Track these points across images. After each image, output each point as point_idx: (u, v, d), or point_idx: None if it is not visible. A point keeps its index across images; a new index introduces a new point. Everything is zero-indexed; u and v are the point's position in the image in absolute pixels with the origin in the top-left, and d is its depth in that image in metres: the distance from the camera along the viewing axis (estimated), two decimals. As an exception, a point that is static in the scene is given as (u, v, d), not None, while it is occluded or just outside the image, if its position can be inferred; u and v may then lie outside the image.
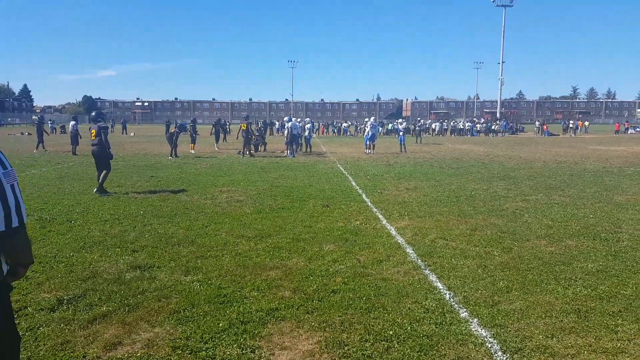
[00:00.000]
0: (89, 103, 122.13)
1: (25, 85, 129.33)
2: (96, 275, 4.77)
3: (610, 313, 3.80)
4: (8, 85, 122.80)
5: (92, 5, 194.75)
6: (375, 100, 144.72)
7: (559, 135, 45.74)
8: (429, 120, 56.02)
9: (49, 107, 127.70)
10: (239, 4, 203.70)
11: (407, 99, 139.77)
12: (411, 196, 9.46)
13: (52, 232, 6.45)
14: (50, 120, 54.55)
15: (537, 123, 51.89)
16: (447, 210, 7.98)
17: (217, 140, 24.47)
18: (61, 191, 9.93)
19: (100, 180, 9.56)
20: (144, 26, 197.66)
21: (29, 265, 2.03)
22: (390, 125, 50.28)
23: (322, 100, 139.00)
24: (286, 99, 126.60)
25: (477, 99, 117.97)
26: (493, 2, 73.02)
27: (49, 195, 9.42)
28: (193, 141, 21.69)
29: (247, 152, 19.15)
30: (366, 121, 25.29)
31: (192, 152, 20.88)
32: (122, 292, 4.31)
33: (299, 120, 24.72)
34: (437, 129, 49.10)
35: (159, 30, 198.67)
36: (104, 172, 9.56)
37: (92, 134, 9.65)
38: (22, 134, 43.20)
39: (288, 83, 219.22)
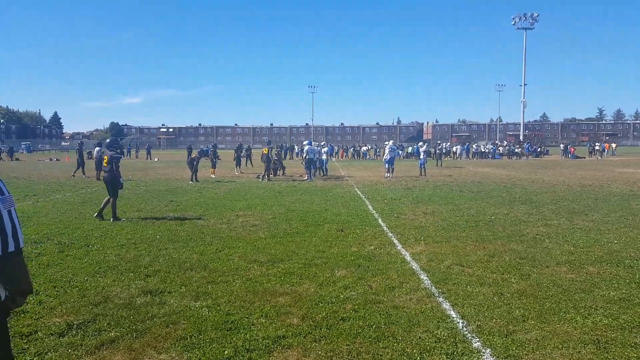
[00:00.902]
0: (116, 129, 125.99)
1: (55, 113, 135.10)
2: (108, 299, 4.80)
3: (632, 344, 3.60)
4: (39, 113, 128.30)
5: (120, 34, 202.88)
6: (395, 124, 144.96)
7: (584, 157, 44.68)
8: (449, 143, 55.54)
9: (78, 133, 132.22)
10: (261, 31, 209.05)
11: (427, 122, 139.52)
12: (428, 221, 9.31)
13: (70, 257, 6.55)
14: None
15: (561, 145, 50.82)
16: (464, 236, 7.81)
17: (238, 164, 24.75)
18: (82, 216, 10.13)
19: (102, 207, 9.65)
20: (169, 54, 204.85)
21: (28, 294, 2.04)
22: (410, 148, 50.12)
23: (342, 124, 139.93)
24: (306, 124, 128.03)
25: (499, 122, 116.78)
26: (514, 24, 73.06)
27: (70, 220, 9.63)
28: (213, 166, 22.00)
29: (266, 177, 19.29)
30: (385, 144, 24.68)
31: (213, 176, 21.15)
32: (132, 317, 4.32)
33: (317, 144, 24.86)
34: (458, 151, 48.68)
35: (183, 59, 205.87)
36: (111, 199, 9.57)
37: (105, 161, 9.88)
38: (51, 159, 44.69)
39: (308, 107, 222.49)
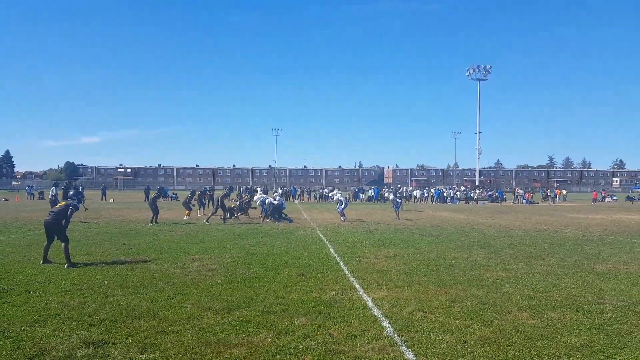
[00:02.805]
0: (71, 169, 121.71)
1: (7, 151, 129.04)
2: (45, 352, 4.38)
3: (597, 395, 3.53)
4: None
5: (78, 72, 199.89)
6: (357, 167, 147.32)
7: (538, 203, 46.56)
8: (410, 188, 56.78)
9: (30, 172, 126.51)
10: (223, 72, 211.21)
11: (388, 167, 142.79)
12: (390, 264, 9.22)
13: (7, 304, 6.04)
14: (28, 185, 53.77)
15: (520, 190, 52.93)
16: (426, 280, 7.75)
17: (200, 206, 24.09)
18: (26, 259, 9.45)
19: (65, 253, 8.85)
20: (129, 94, 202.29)
21: None
22: (370, 191, 50.85)
23: (305, 166, 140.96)
24: (269, 165, 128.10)
25: (456, 168, 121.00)
26: (468, 76, 77.30)
27: (12, 263, 8.95)
28: (188, 208, 21.46)
29: (224, 219, 18.94)
30: (334, 194, 24.90)
31: (185, 218, 20.45)
32: (68, 373, 3.91)
33: (276, 191, 24.87)
34: (418, 195, 49.69)
35: (144, 98, 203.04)
36: (63, 245, 8.92)
37: (58, 205, 9.47)
38: (0, 199, 42.22)
39: (272, 149, 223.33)
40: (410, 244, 12.45)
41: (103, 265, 8.88)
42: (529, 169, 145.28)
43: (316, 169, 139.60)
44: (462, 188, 61.78)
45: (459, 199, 50.16)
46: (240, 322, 5.28)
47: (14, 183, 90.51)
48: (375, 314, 5.72)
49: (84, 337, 4.75)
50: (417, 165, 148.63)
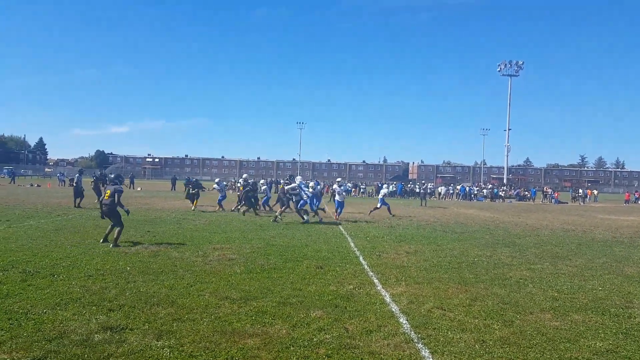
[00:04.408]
0: (101, 158, 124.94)
1: (40, 139, 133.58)
2: (64, 335, 4.46)
3: (622, 403, 3.37)
4: (24, 138, 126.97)
5: (110, 64, 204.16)
6: (381, 162, 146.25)
7: (567, 203, 45.27)
8: (432, 184, 56.04)
9: (62, 160, 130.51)
10: (250, 65, 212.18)
11: (413, 162, 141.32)
12: (410, 260, 9.09)
13: (32, 287, 6.18)
14: (59, 173, 55.48)
15: (549, 189, 51.53)
16: (447, 277, 7.60)
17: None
18: (53, 243, 9.71)
19: (115, 237, 9.79)
20: (158, 85, 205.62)
21: None
22: (391, 186, 50.47)
23: (328, 160, 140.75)
24: (293, 159, 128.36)
25: (483, 165, 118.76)
26: (499, 71, 75.44)
27: (39, 247, 9.20)
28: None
29: (239, 209, 19.18)
30: (336, 184, 20.14)
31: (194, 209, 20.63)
32: (86, 355, 3.98)
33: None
34: (443, 192, 49.03)
35: (171, 90, 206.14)
36: (118, 229, 9.86)
37: (107, 194, 10.14)
38: (32, 185, 43.74)
39: (296, 142, 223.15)
40: (432, 241, 12.25)
41: (126, 251, 9.04)
42: (559, 167, 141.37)
43: (340, 163, 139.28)
44: (489, 185, 60.58)
45: (485, 197, 49.26)
46: (256, 313, 5.28)
47: (46, 170, 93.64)
48: (393, 309, 5.63)
49: (103, 322, 4.83)
50: (443, 161, 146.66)
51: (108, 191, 10.17)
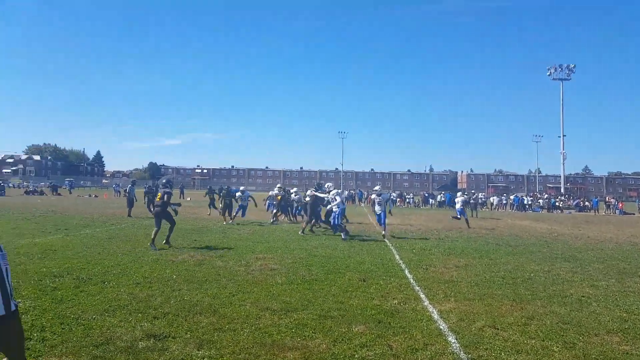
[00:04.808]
0: (154, 169, 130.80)
1: (98, 152, 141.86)
2: (110, 341, 4.54)
3: None
4: (84, 151, 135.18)
5: (163, 80, 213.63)
6: (427, 171, 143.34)
7: (634, 214, 42.26)
8: (483, 194, 54.05)
9: (118, 171, 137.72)
10: (292, 76, 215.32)
11: (462, 171, 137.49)
12: (460, 275, 8.67)
13: (84, 293, 6.39)
14: (115, 184, 58.44)
15: (612, 200, 48.31)
16: (500, 294, 7.15)
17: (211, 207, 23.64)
18: (106, 251, 10.07)
19: (168, 234, 11.22)
20: (206, 100, 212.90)
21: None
22: (439, 196, 49.14)
23: (372, 169, 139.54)
24: (336, 168, 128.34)
25: (538, 173, 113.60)
26: (549, 75, 72.31)
27: (93, 255, 9.57)
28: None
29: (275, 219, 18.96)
30: (374, 192, 16.22)
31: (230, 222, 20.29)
32: (128, 364, 3.99)
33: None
34: (495, 202, 47.22)
35: (219, 104, 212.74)
36: (171, 225, 11.19)
37: (158, 197, 11.30)
38: (90, 196, 46.21)
39: (338, 152, 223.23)
40: (484, 254, 11.68)
41: (173, 260, 9.22)
42: (622, 176, 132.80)
43: (384, 173, 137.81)
44: (545, 195, 57.75)
45: (542, 207, 46.95)
46: (296, 325, 5.16)
47: (103, 181, 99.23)
48: (441, 327, 5.33)
49: (147, 330, 4.88)
50: (495, 170, 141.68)
51: (159, 194, 11.32)
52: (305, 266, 8.93)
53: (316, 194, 15.80)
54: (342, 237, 13.72)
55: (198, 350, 4.35)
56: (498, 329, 5.28)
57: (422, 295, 6.86)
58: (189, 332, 4.85)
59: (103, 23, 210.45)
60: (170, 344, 4.51)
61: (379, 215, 15.12)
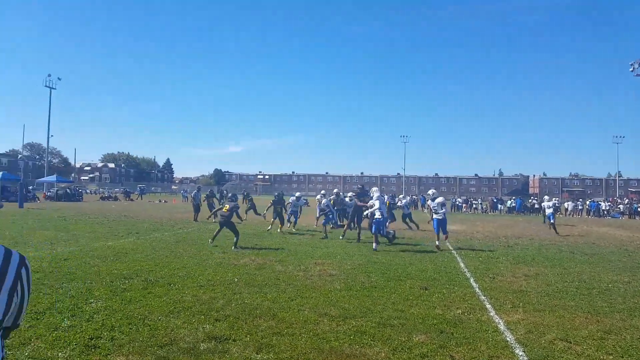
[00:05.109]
0: (219, 175, 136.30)
1: (168, 159, 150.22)
2: (174, 342, 4.70)
3: None
4: (154, 159, 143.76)
5: (226, 89, 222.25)
6: (496, 176, 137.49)
7: None
8: (557, 200, 50.82)
9: (186, 178, 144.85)
10: (352, 81, 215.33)
11: (534, 175, 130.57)
12: (530, 284, 8.17)
13: (151, 294, 6.68)
14: (183, 190, 61.46)
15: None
16: (573, 305, 6.65)
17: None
18: (173, 254, 10.55)
19: (235, 242, 12.02)
20: (267, 107, 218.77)
21: None
22: (509, 202, 46.84)
23: (436, 174, 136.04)
24: (398, 173, 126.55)
25: (619, 177, 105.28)
26: (632, 71, 66.98)
27: (161, 258, 10.05)
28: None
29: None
30: (429, 195, 14.43)
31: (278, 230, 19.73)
32: (190, 364, 4.11)
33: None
34: (570, 208, 44.32)
35: (279, 110, 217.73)
36: (236, 238, 12.03)
37: (225, 208, 12.43)
38: (160, 201, 48.86)
39: (400, 156, 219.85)
40: (557, 263, 10.96)
41: (235, 263, 9.47)
42: None
43: (449, 177, 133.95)
44: (626, 200, 53.34)
45: (622, 213, 43.42)
46: (355, 332, 5.08)
47: (172, 187, 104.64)
48: (508, 339, 5.03)
49: (209, 332, 5.01)
50: (570, 173, 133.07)
51: (226, 206, 12.45)
52: (365, 273, 8.82)
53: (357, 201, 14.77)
54: (374, 246, 12.23)
55: (257, 354, 4.41)
56: (571, 343, 4.90)
57: (488, 305, 6.53)
58: (248, 335, 4.93)
59: (169, 35, 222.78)
60: (231, 346, 4.61)
61: (438, 222, 13.30)
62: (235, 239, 12.03)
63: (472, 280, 8.46)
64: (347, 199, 18.53)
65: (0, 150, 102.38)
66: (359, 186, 18.30)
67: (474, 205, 47.96)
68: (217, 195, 24.04)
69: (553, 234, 19.39)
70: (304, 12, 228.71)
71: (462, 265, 10.21)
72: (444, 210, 13.18)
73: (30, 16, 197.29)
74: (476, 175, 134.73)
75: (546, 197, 23.91)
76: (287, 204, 17.72)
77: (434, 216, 13.44)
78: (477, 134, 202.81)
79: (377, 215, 12.69)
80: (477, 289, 7.65)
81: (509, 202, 46.99)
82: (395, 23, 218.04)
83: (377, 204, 12.84)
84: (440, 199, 13.35)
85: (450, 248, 13.34)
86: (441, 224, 13.13)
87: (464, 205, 47.38)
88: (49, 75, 55.24)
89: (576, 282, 8.45)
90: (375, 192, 13.61)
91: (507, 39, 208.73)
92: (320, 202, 17.07)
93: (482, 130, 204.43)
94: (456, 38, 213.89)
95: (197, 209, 21.73)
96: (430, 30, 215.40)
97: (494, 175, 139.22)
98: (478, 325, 5.52)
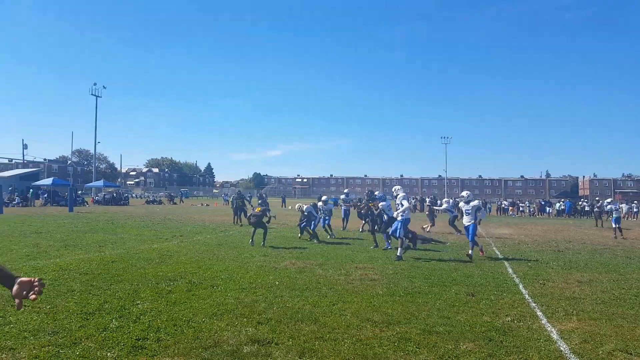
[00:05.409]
0: (258, 179, 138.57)
1: (209, 164, 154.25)
2: (217, 344, 4.73)
3: None
4: (196, 163, 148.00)
5: (265, 95, 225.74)
6: (543, 177, 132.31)
7: None
8: (611, 202, 48.25)
9: (226, 182, 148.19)
10: (387, 85, 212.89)
11: (584, 176, 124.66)
12: (584, 291, 7.74)
13: (195, 296, 6.78)
14: (224, 194, 62.75)
15: None
16: (632, 314, 6.23)
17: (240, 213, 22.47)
18: (215, 257, 10.72)
19: (263, 238, 13.18)
20: (304, 112, 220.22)
21: None
22: (558, 204, 44.88)
23: (479, 176, 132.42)
24: (439, 175, 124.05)
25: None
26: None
27: (203, 260, 10.23)
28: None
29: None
30: (462, 198, 12.63)
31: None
32: (234, 368, 4.11)
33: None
34: (624, 210, 41.97)
35: (317, 115, 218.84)
36: (264, 231, 13.29)
37: (258, 209, 13.52)
38: (202, 205, 50.07)
39: (441, 158, 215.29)
40: (613, 268, 10.35)
41: (275, 266, 9.50)
42: None
43: (493, 179, 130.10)
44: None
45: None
46: (399, 339, 4.95)
47: (214, 191, 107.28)
48: (561, 348, 4.76)
49: (251, 334, 5.02)
50: (623, 174, 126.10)
51: (258, 208, 13.68)
52: (407, 277, 8.63)
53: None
54: (397, 253, 11.11)
55: (300, 358, 4.36)
56: (631, 354, 4.58)
57: (539, 313, 6.22)
58: (290, 339, 4.89)
59: (210, 43, 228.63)
60: (273, 350, 4.58)
61: (467, 228, 11.91)
62: (263, 237, 13.22)
63: (521, 286, 8.11)
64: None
65: (51, 156, 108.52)
66: (368, 190, 17.46)
67: (520, 208, 46.24)
68: (248, 198, 24.24)
69: (607, 237, 18.38)
70: (340, 15, 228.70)
71: (509, 270, 9.82)
72: (481, 214, 11.99)
73: (78, 28, 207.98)
74: (522, 176, 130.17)
75: (608, 200, 22.64)
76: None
77: (466, 221, 11.99)
78: (522, 134, 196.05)
79: (400, 217, 11.67)
80: (526, 296, 7.31)
81: (558, 204, 45.00)
82: (436, 24, 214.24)
83: (405, 203, 11.95)
84: (475, 202, 12.05)
85: (497, 253, 12.87)
86: (474, 231, 11.69)
87: (510, 208, 45.75)
88: (95, 84, 58.02)
89: (635, 290, 7.94)
90: (400, 190, 12.63)
91: (551, 38, 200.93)
92: (301, 208, 15.96)
93: (528, 130, 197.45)
94: (499, 38, 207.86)
95: (236, 212, 22.10)
96: (472, 30, 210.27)
97: (540, 176, 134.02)
98: (529, 334, 5.26)
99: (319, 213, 16.49)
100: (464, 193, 12.67)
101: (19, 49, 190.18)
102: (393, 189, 13.19)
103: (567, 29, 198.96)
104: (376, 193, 14.92)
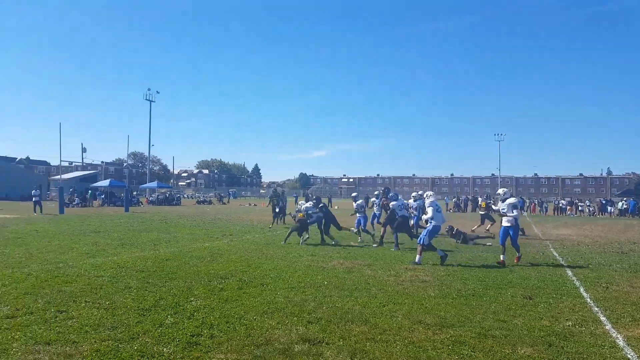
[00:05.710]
0: (304, 179, 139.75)
1: (256, 164, 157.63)
2: (269, 342, 4.78)
3: None
4: (244, 164, 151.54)
5: (309, 97, 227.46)
6: (604, 175, 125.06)
7: None
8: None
9: (273, 182, 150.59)
10: (436, 82, 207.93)
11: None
12: (652, 296, 7.22)
13: (246, 294, 6.91)
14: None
15: None
16: None
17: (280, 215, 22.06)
18: (264, 256, 10.88)
19: (306, 238, 13.57)
20: (350, 113, 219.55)
21: None
22: (620, 203, 42.22)
23: (535, 174, 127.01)
24: (492, 174, 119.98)
25: None
26: None
27: (253, 259, 10.41)
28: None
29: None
30: (501, 194, 11.16)
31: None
32: (286, 366, 4.14)
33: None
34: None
35: (363, 116, 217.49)
36: (307, 234, 13.70)
37: (300, 215, 13.78)
38: (250, 205, 51.06)
39: (494, 156, 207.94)
40: (684, 272, 9.60)
41: (323, 266, 9.52)
42: None
43: (549, 177, 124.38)
44: None
45: None
46: (453, 342, 4.81)
47: (261, 191, 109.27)
48: (629, 356, 4.47)
49: (302, 333, 5.04)
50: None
51: (301, 214, 13.86)
52: (460, 279, 8.39)
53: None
54: (416, 260, 10.22)
55: (351, 359, 4.33)
56: None
57: (603, 318, 5.87)
58: (341, 340, 4.87)
59: (255, 46, 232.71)
60: (324, 349, 4.58)
61: (505, 230, 10.52)
62: (306, 236, 13.66)
63: (581, 289, 7.68)
64: (411, 201, 16.39)
65: (108, 159, 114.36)
66: (382, 189, 16.53)
67: (579, 208, 43.86)
68: (294, 196, 24.25)
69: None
70: (388, 14, 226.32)
71: (569, 273, 9.33)
72: (515, 214, 10.43)
73: (131, 39, 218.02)
74: (581, 174, 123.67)
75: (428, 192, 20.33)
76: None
77: (503, 223, 10.63)
78: (580, 130, 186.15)
79: (428, 224, 10.57)
80: (588, 299, 6.92)
81: (621, 203, 42.29)
82: (487, 18, 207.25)
83: (430, 212, 10.52)
84: (512, 200, 10.64)
85: (556, 254, 12.28)
86: (511, 233, 10.41)
87: (568, 207, 43.48)
88: (149, 89, 60.67)
89: None
90: (430, 196, 11.33)
91: (611, 31, 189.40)
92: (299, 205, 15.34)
93: (587, 125, 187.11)
94: (554, 31, 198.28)
95: (282, 211, 22.27)
96: (525, 23, 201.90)
97: (601, 174, 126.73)
98: (592, 340, 4.97)
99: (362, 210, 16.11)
100: (500, 190, 11.31)
101: (80, 57, 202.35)
102: (425, 194, 12.27)
103: (633, 23, 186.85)
104: (391, 194, 14.48)
